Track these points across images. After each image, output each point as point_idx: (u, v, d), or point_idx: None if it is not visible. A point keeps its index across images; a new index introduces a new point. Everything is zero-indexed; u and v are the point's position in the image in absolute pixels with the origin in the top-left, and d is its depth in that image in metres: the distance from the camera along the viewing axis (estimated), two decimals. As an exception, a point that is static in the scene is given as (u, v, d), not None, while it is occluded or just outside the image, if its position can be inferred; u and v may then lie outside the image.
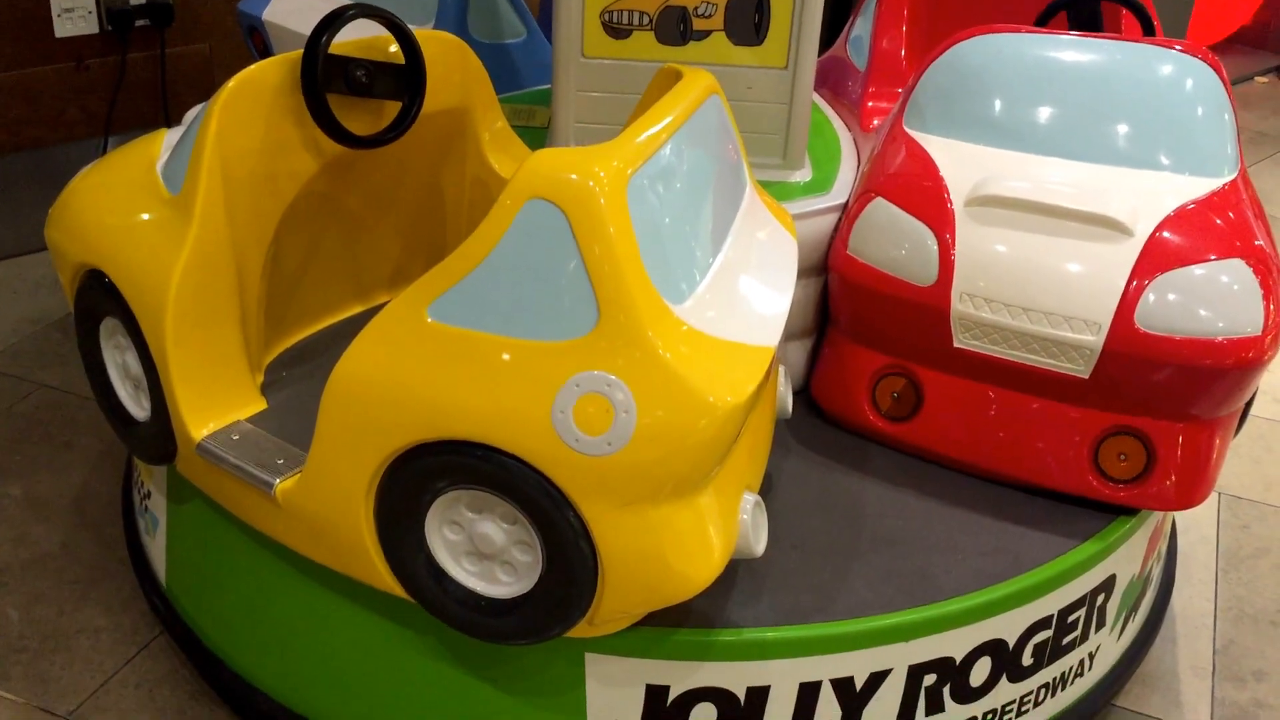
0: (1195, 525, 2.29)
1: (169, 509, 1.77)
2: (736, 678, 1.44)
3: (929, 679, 1.50)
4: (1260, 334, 1.52)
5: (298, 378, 1.69)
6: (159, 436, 1.55)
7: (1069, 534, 1.61)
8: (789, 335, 1.84)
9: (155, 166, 1.58)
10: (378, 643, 1.52)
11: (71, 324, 1.68)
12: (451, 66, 1.71)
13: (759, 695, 1.45)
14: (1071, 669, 1.66)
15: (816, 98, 2.29)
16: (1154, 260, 1.55)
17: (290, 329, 1.79)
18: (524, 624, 1.30)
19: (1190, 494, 1.62)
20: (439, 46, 1.67)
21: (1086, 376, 1.58)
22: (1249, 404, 1.77)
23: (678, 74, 1.52)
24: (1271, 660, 1.94)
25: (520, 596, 1.30)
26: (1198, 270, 1.54)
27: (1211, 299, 1.52)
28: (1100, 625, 1.68)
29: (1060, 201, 1.60)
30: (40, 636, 1.86)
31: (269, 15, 2.53)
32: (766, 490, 1.66)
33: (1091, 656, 1.69)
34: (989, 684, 1.55)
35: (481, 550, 1.30)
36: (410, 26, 1.60)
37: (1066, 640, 1.61)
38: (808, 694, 1.46)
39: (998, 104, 1.80)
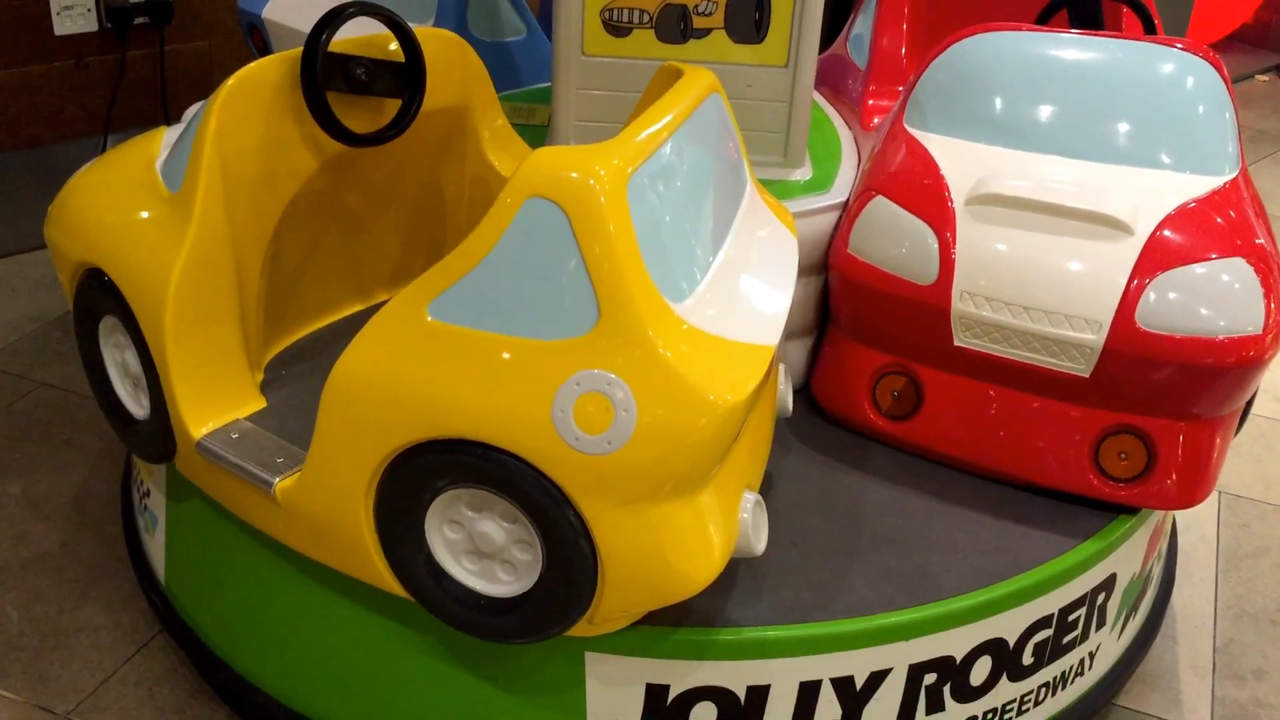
0: (1195, 524, 2.28)
1: (168, 507, 1.77)
2: (737, 677, 1.43)
3: (929, 678, 1.50)
4: (1261, 333, 1.52)
5: (297, 376, 1.69)
6: (158, 435, 1.54)
7: (1069, 533, 1.61)
8: (789, 334, 1.84)
9: (155, 164, 1.58)
10: (377, 642, 1.52)
11: (71, 322, 1.68)
12: (451, 64, 1.71)
13: (759, 694, 1.44)
14: (1072, 668, 1.66)
15: (817, 96, 2.28)
16: (1155, 259, 1.55)
17: (290, 327, 1.79)
18: (524, 623, 1.30)
19: (1191, 493, 1.62)
20: (439, 44, 1.67)
21: (1087, 375, 1.58)
22: (1250, 403, 1.77)
23: (678, 72, 1.52)
24: (1272, 659, 1.94)
25: (520, 595, 1.30)
26: (1199, 269, 1.54)
27: (1212, 298, 1.52)
28: (1101, 624, 1.67)
29: (1061, 200, 1.60)
30: (40, 635, 1.86)
31: (268, 13, 2.53)
32: (767, 489, 1.66)
33: (1092, 655, 1.69)
34: (989, 683, 1.55)
35: (481, 549, 1.30)
36: (410, 24, 1.59)
37: (1067, 639, 1.61)
38: (808, 693, 1.45)
39: (998, 102, 1.80)
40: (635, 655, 1.41)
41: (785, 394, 1.66)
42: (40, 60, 3.15)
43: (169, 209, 1.50)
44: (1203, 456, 1.62)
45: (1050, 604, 1.56)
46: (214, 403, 1.52)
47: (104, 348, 1.61)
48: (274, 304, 1.70)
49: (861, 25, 2.38)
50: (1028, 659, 1.57)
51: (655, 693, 1.43)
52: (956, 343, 1.65)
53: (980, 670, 1.53)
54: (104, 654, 1.83)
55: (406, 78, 1.62)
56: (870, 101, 2.20)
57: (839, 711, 1.48)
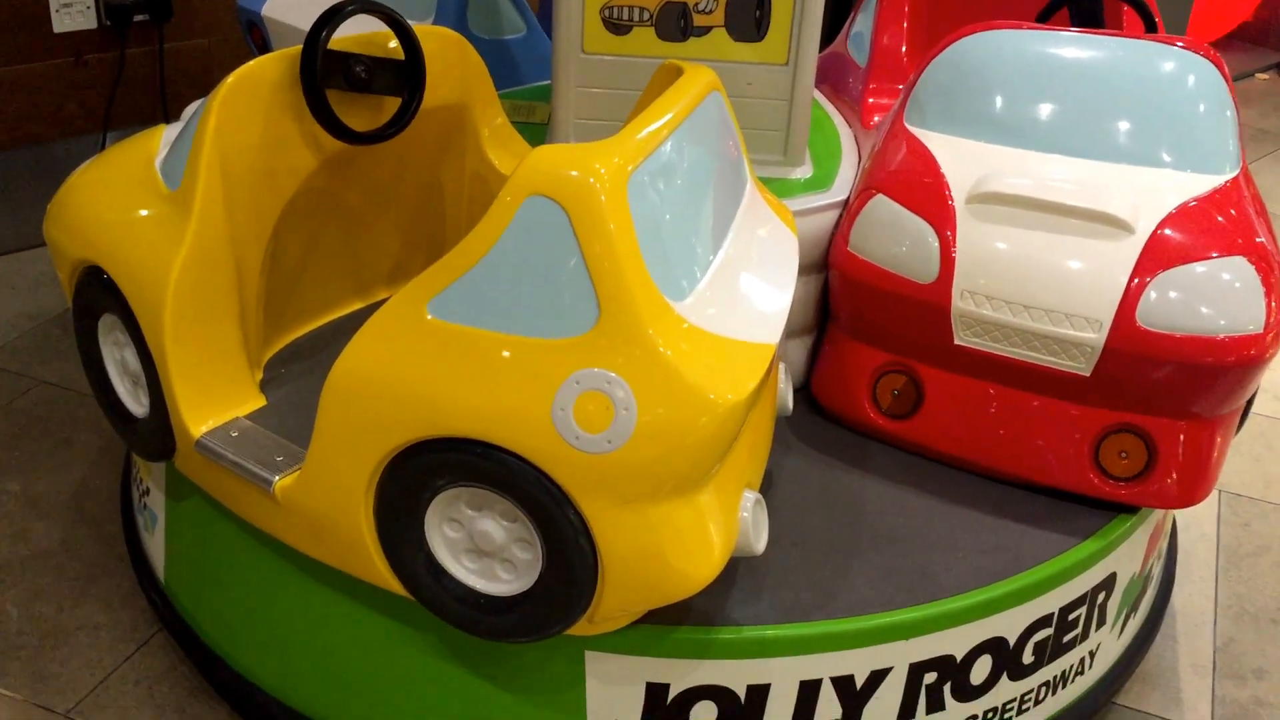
0: (1195, 523, 2.28)
1: (168, 506, 1.77)
2: (737, 676, 1.43)
3: (929, 677, 1.50)
4: (1262, 331, 1.52)
5: (297, 374, 1.69)
6: (158, 433, 1.54)
7: (1070, 532, 1.60)
8: (789, 332, 1.84)
9: (154, 162, 1.58)
10: (377, 640, 1.52)
11: (70, 320, 1.68)
12: (451, 62, 1.71)
13: (759, 693, 1.44)
14: (1072, 667, 1.66)
15: (817, 94, 2.28)
16: (1156, 257, 1.54)
17: (289, 325, 1.79)
18: (524, 622, 1.30)
19: (1191, 492, 1.62)
20: (438, 42, 1.67)
21: (1088, 374, 1.58)
22: (1250, 401, 1.76)
23: (678, 70, 1.51)
24: (1272, 658, 1.94)
25: (520, 594, 1.30)
26: (1199, 268, 1.53)
27: (1213, 296, 1.52)
28: (1101, 623, 1.67)
29: (1062, 199, 1.60)
30: (39, 633, 1.86)
31: (268, 11, 2.52)
32: (767, 488, 1.66)
33: (1092, 655, 1.69)
34: (990, 682, 1.55)
35: (481, 548, 1.30)
36: (410, 22, 1.59)
37: (1067, 638, 1.61)
38: (808, 692, 1.45)
39: (999, 101, 1.79)
40: (635, 654, 1.41)
41: (785, 393, 1.66)
42: (39, 58, 3.14)
43: (168, 207, 1.49)
44: (1203, 455, 1.62)
45: (1050, 603, 1.56)
46: (213, 401, 1.52)
47: (103, 346, 1.61)
48: (274, 302, 1.70)
49: (862, 23, 2.38)
50: (1028, 658, 1.57)
51: (655, 692, 1.43)
52: (957, 341, 1.65)
53: (980, 669, 1.53)
54: (103, 652, 1.83)
55: (406, 75, 1.61)
56: (870, 100, 2.20)
57: (839, 711, 1.47)
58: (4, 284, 3.04)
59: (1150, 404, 1.59)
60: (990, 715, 1.58)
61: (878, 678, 1.47)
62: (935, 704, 1.52)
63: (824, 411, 1.86)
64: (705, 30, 1.84)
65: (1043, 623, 1.56)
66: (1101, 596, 1.64)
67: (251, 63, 1.48)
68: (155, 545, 1.85)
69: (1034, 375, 1.63)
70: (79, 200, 1.60)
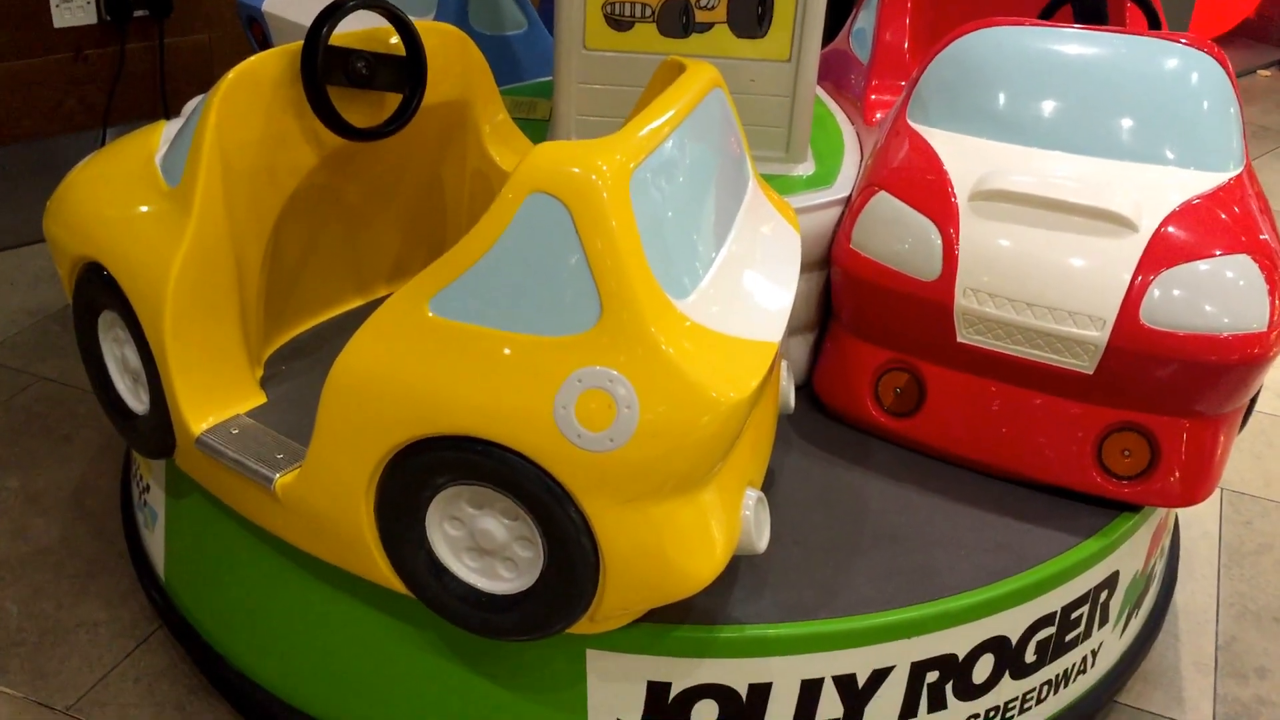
0: (1197, 521, 2.28)
1: (168, 503, 1.77)
2: (738, 674, 1.43)
3: (931, 676, 1.49)
4: (1266, 330, 1.51)
5: (297, 371, 1.69)
6: (158, 430, 1.54)
7: (1072, 530, 1.60)
8: (791, 330, 1.84)
9: (154, 159, 1.57)
10: (377, 638, 1.51)
11: (70, 316, 1.67)
12: (452, 58, 1.70)
13: (761, 692, 1.44)
14: (1074, 666, 1.65)
15: (819, 91, 2.27)
16: (1159, 255, 1.54)
17: (290, 322, 1.78)
18: (525, 620, 1.30)
19: (1194, 490, 1.62)
20: (440, 38, 1.66)
21: (1091, 372, 1.58)
22: (1253, 400, 1.76)
23: (681, 67, 1.51)
24: (1274, 657, 1.94)
25: (521, 592, 1.29)
26: (1203, 266, 1.53)
27: (1217, 294, 1.51)
28: (1103, 622, 1.67)
29: (1065, 196, 1.59)
30: (39, 630, 1.86)
31: (269, 6, 2.52)
32: (768, 486, 1.66)
33: (1094, 653, 1.69)
34: (992, 681, 1.54)
35: (483, 546, 1.29)
36: (411, 18, 1.58)
37: (1069, 637, 1.61)
38: (810, 691, 1.45)
39: (1002, 98, 1.79)
40: (637, 653, 1.41)
41: (787, 390, 1.65)
42: (39, 53, 3.14)
43: (168, 203, 1.49)
44: (1206, 454, 1.62)
45: (1053, 602, 1.55)
46: (214, 398, 1.52)
47: (103, 342, 1.60)
48: (274, 299, 1.69)
49: (864, 19, 2.37)
50: (1030, 657, 1.57)
51: (657, 690, 1.43)
52: (959, 339, 1.64)
53: (983, 668, 1.52)
54: (103, 649, 1.83)
55: (407, 72, 1.61)
56: (873, 96, 2.20)
57: (841, 709, 1.47)
58: (4, 280, 3.04)
59: (1153, 402, 1.59)
60: (992, 714, 1.58)
61: (879, 677, 1.47)
62: (937, 703, 1.52)
63: (826, 409, 1.86)
64: (707, 26, 1.84)
65: (1045, 621, 1.56)
66: (1104, 595, 1.64)
67: (252, 59, 1.48)
68: (155, 542, 1.85)
69: (1037, 373, 1.62)
70: (79, 196, 1.60)
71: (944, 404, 1.71)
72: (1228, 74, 1.73)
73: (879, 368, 1.76)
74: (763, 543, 1.34)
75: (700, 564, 1.25)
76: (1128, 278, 1.54)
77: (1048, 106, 1.76)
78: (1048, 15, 2.11)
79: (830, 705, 1.46)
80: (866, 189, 1.75)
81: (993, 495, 1.67)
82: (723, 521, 1.27)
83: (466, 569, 1.32)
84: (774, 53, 1.85)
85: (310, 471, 1.36)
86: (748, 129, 1.66)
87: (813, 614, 1.44)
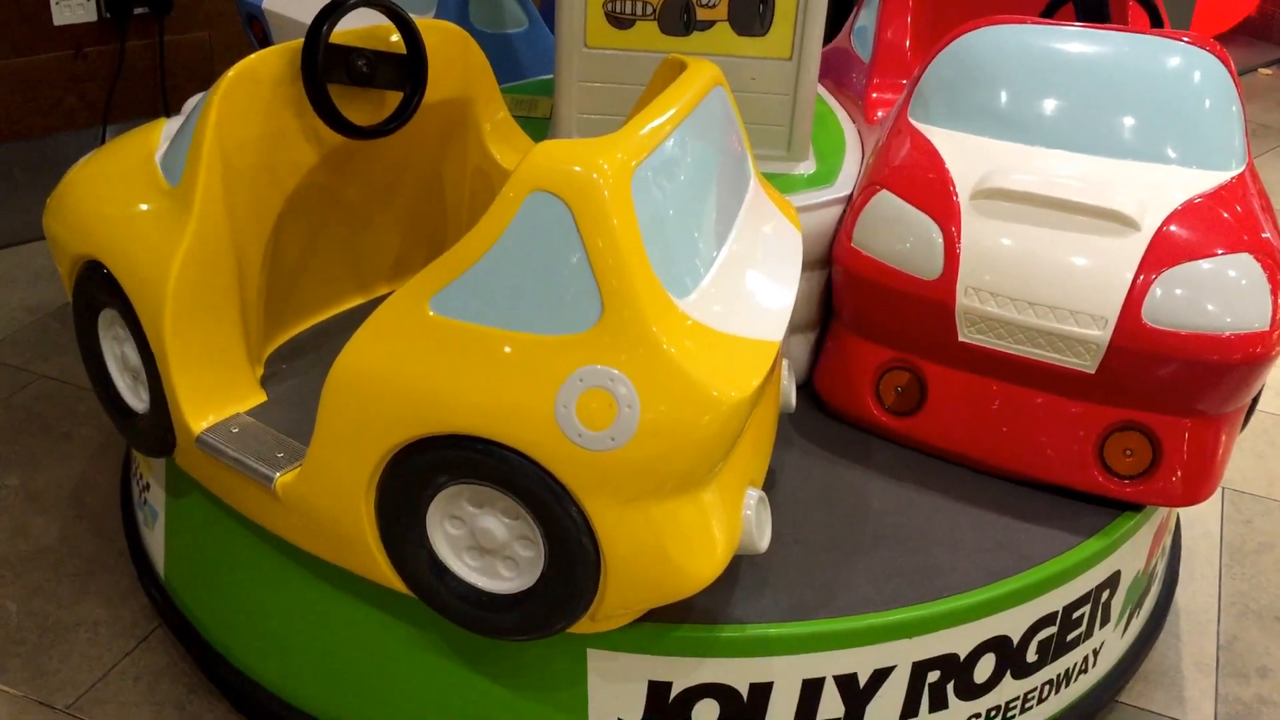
0: (1199, 520, 2.28)
1: (168, 502, 1.77)
2: (739, 674, 1.43)
3: (933, 675, 1.49)
4: (1268, 329, 1.51)
5: (298, 370, 1.68)
6: (158, 429, 1.54)
7: (1074, 530, 1.60)
8: (792, 329, 1.83)
9: (154, 157, 1.57)
10: (378, 637, 1.51)
11: (71, 314, 1.67)
12: (453, 56, 1.70)
13: (762, 692, 1.44)
14: (1076, 665, 1.65)
15: (820, 89, 2.27)
16: (1161, 254, 1.53)
17: (290, 321, 1.78)
18: (526, 620, 1.30)
19: (1196, 490, 1.61)
20: (440, 36, 1.66)
21: (1092, 371, 1.57)
22: (1255, 399, 1.76)
23: (682, 65, 1.51)
24: (1276, 656, 1.94)
25: (522, 592, 1.29)
26: (1205, 265, 1.53)
27: (1219, 294, 1.51)
28: (1105, 621, 1.67)
29: (1067, 195, 1.59)
30: (39, 629, 1.86)
31: (269, 4, 2.52)
32: (769, 485, 1.65)
33: (1096, 653, 1.69)
34: (993, 681, 1.54)
35: (483, 545, 1.29)
36: (412, 16, 1.58)
37: (1071, 637, 1.61)
38: (811, 690, 1.45)
39: (1004, 96, 1.78)
40: (637, 652, 1.41)
41: (788, 389, 1.65)
42: (39, 50, 3.13)
43: (169, 202, 1.49)
44: (1208, 453, 1.61)
45: (1054, 601, 1.55)
46: (214, 397, 1.51)
47: (103, 341, 1.60)
48: (274, 297, 1.69)
49: (865, 18, 2.37)
50: (1031, 656, 1.56)
51: (657, 690, 1.43)
52: (961, 338, 1.64)
53: (984, 668, 1.52)
54: (103, 648, 1.82)
55: (408, 70, 1.60)
56: (874, 95, 2.19)
57: (842, 709, 1.47)
58: (4, 277, 3.03)
59: (1155, 401, 1.59)
60: (993, 714, 1.57)
61: (881, 676, 1.46)
62: (938, 702, 1.51)
63: (827, 408, 1.85)
64: (708, 24, 1.83)
65: (1046, 621, 1.55)
66: (1105, 595, 1.64)
67: (252, 56, 1.48)
68: (155, 541, 1.85)
69: (1038, 372, 1.62)
70: (79, 194, 1.60)
71: (945, 403, 1.71)
72: (1230, 72, 1.73)
73: (880, 367, 1.76)
74: (764, 542, 1.34)
75: (701, 563, 1.24)
76: (1130, 277, 1.53)
77: (1050, 105, 1.76)
78: (1050, 13, 2.11)
79: (831, 705, 1.46)
80: (868, 188, 1.75)
81: (994, 495, 1.67)
82: (724, 521, 1.27)
83: (467, 568, 1.32)
84: (775, 51, 1.85)
85: (310, 470, 1.35)
86: (749, 127, 1.66)
87: (814, 613, 1.44)
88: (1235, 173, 1.67)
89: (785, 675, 1.43)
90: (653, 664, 1.41)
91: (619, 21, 1.83)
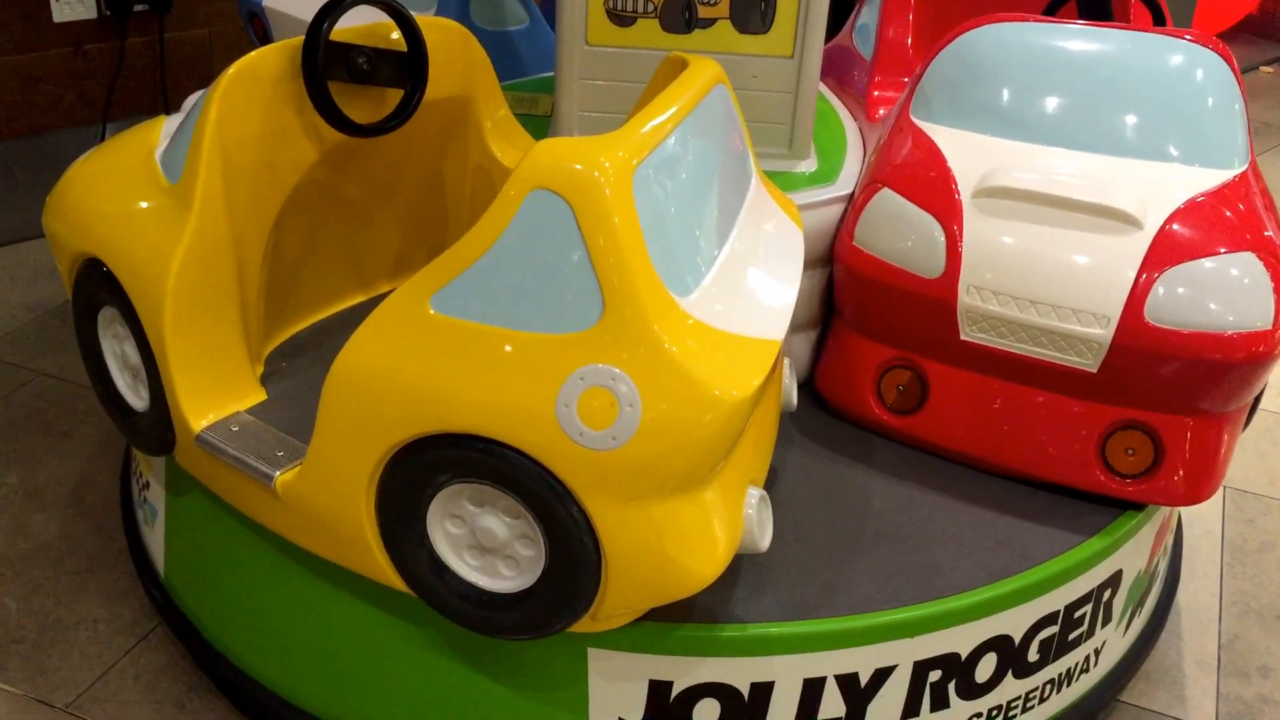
0: (1200, 519, 2.27)
1: (168, 500, 1.76)
2: (740, 673, 1.42)
3: (934, 675, 1.49)
4: (1270, 328, 1.51)
5: (298, 368, 1.68)
6: (158, 427, 1.53)
7: (1075, 529, 1.60)
8: (793, 327, 1.83)
9: (154, 154, 1.57)
10: (378, 637, 1.51)
11: (70, 311, 1.67)
12: (454, 54, 1.69)
13: (763, 691, 1.43)
14: (1077, 665, 1.65)
15: (822, 87, 2.27)
16: (1164, 253, 1.53)
17: (290, 319, 1.78)
18: (526, 619, 1.29)
19: (1198, 489, 1.61)
20: (441, 33, 1.66)
21: (1095, 370, 1.57)
22: (1258, 398, 1.75)
23: (683, 62, 1.50)
24: (1277, 655, 1.93)
25: (523, 591, 1.29)
26: (1208, 263, 1.52)
27: (1221, 292, 1.51)
28: (1106, 621, 1.66)
29: (1069, 193, 1.58)
30: (38, 627, 1.85)
31: (269, 1, 2.51)
32: (770, 484, 1.65)
33: (1097, 652, 1.68)
34: (994, 680, 1.54)
35: (484, 544, 1.29)
36: (412, 13, 1.58)
37: (1072, 636, 1.60)
38: (812, 690, 1.44)
39: (1006, 94, 1.78)
40: (638, 651, 1.40)
41: (790, 388, 1.65)
42: (39, 47, 3.13)
43: (168, 199, 1.48)
44: (1210, 452, 1.61)
45: (1056, 600, 1.55)
46: (214, 395, 1.51)
47: (103, 339, 1.60)
48: (274, 296, 1.69)
49: (867, 15, 2.36)
50: (1033, 656, 1.56)
51: (658, 689, 1.43)
52: (963, 337, 1.64)
53: (985, 667, 1.52)
54: (103, 647, 1.82)
55: (409, 67, 1.60)
56: (876, 93, 2.19)
57: (843, 708, 1.47)
58: (4, 275, 3.03)
59: (1157, 400, 1.58)
60: (995, 713, 1.57)
61: (882, 675, 1.46)
62: (940, 702, 1.51)
63: (828, 407, 1.85)
64: (710, 22, 1.83)
65: (1048, 620, 1.55)
66: (1107, 594, 1.63)
67: (252, 54, 1.47)
68: (155, 539, 1.85)
69: (1040, 371, 1.61)
70: (78, 192, 1.59)
71: (947, 402, 1.71)
72: (1233, 70, 1.73)
73: (882, 365, 1.75)
74: (765, 541, 1.33)
75: (702, 563, 1.24)
76: (1132, 275, 1.53)
77: (1052, 103, 1.76)
78: (1052, 11, 2.10)
79: (833, 704, 1.46)
80: (869, 186, 1.75)
81: (995, 493, 1.67)
82: (725, 520, 1.27)
83: (468, 567, 1.31)
84: (777, 48, 1.84)
85: (311, 469, 1.35)
86: (750, 125, 1.65)
87: (815, 612, 1.43)
88: (1238, 171, 1.67)
89: (786, 674, 1.43)
90: (654, 663, 1.41)
91: (620, 19, 1.83)
